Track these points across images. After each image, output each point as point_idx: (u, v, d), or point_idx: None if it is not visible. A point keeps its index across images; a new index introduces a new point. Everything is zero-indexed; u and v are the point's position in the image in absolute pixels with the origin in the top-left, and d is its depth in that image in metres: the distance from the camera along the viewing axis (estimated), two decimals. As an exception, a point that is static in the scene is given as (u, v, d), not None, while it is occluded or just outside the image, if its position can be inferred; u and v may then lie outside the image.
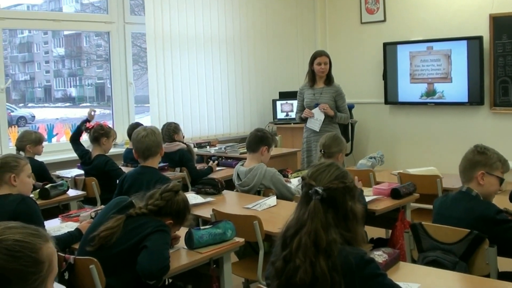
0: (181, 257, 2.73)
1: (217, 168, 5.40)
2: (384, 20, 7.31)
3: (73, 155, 5.64)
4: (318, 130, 5.28)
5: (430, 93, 6.84)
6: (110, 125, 5.79)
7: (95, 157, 4.85)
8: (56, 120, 6.59)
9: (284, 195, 4.04)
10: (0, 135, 5.48)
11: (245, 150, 4.80)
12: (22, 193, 3.16)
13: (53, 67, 7.30)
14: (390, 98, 7.22)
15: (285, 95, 7.30)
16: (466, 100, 6.54)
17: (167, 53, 6.42)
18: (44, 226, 3.08)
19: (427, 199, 4.05)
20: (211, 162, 5.60)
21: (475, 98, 6.45)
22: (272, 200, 3.77)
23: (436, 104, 6.83)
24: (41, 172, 4.57)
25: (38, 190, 4.11)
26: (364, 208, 3.18)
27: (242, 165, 4.27)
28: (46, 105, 7.18)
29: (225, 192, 4.23)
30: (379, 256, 2.44)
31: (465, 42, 6.45)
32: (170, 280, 2.98)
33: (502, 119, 6.32)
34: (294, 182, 4.34)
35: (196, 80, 6.73)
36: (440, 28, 6.71)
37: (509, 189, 3.38)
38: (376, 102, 7.38)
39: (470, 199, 2.78)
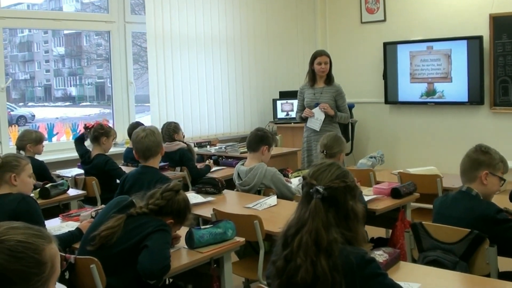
0: (182, 257, 2.73)
1: (214, 168, 5.38)
2: (384, 20, 7.32)
3: (73, 154, 5.64)
4: (318, 130, 5.29)
5: (430, 92, 6.85)
6: (110, 124, 5.78)
7: (95, 156, 4.85)
8: (56, 119, 6.58)
9: (284, 194, 4.04)
10: (1, 134, 5.48)
11: (246, 150, 4.80)
12: (22, 193, 3.16)
13: (53, 66, 7.30)
14: (390, 97, 7.23)
15: (286, 95, 7.30)
16: (466, 99, 6.54)
17: (167, 53, 6.42)
18: (44, 226, 3.08)
19: (427, 198, 4.05)
20: (208, 160, 5.61)
21: (475, 98, 6.45)
22: (272, 200, 3.77)
23: (436, 103, 6.83)
24: (42, 171, 4.57)
25: (38, 189, 4.11)
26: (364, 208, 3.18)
27: (243, 164, 4.28)
28: (46, 104, 7.18)
29: (225, 191, 4.23)
30: (380, 255, 2.45)
31: (465, 41, 6.45)
32: (171, 280, 2.98)
33: (502, 118, 6.33)
34: (295, 182, 4.34)
35: (197, 80, 6.73)
36: (440, 28, 6.71)
37: (508, 189, 3.38)
38: (376, 101, 7.39)
39: (470, 199, 2.78)
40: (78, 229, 2.99)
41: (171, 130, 5.37)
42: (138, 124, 5.25)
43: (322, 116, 5.30)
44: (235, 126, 7.22)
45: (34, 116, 6.89)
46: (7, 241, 1.33)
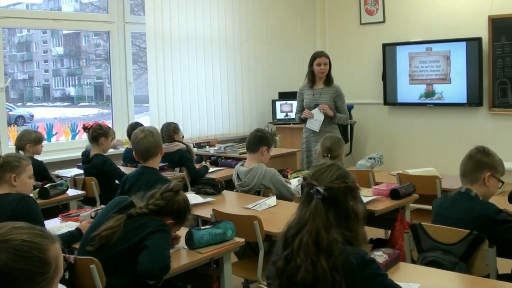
0: (181, 257, 2.73)
1: (212, 169, 5.37)
2: (384, 21, 7.33)
3: (72, 154, 5.67)
4: (317, 131, 5.30)
5: (429, 94, 6.86)
6: (110, 125, 5.79)
7: (94, 156, 4.86)
8: (55, 119, 6.58)
9: (284, 195, 4.04)
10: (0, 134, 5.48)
11: (245, 150, 4.80)
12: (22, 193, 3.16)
13: (51, 66, 7.29)
14: (389, 99, 7.24)
15: (285, 96, 7.31)
16: (465, 101, 6.55)
17: (167, 53, 6.42)
18: (44, 226, 3.07)
19: (426, 199, 4.06)
20: (204, 161, 5.62)
21: (474, 99, 6.46)
22: (272, 200, 3.77)
23: (435, 105, 6.84)
24: (41, 171, 4.56)
25: (37, 189, 4.10)
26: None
27: (242, 165, 4.28)
28: (44, 104, 7.18)
29: (224, 192, 4.23)
30: (379, 256, 2.45)
31: (464, 43, 6.46)
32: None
33: (501, 120, 6.34)
34: (294, 183, 4.35)
35: (196, 80, 6.74)
36: (439, 30, 6.72)
37: (507, 190, 3.39)
38: (375, 102, 7.40)
39: (470, 200, 2.78)
40: (77, 229, 2.99)
41: (171, 131, 5.37)
42: (137, 125, 5.25)
43: (322, 117, 5.31)
44: (234, 126, 7.22)
45: (32, 116, 6.89)
46: (12, 240, 1.32)
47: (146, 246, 2.43)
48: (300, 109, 5.52)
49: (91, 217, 3.19)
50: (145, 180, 3.54)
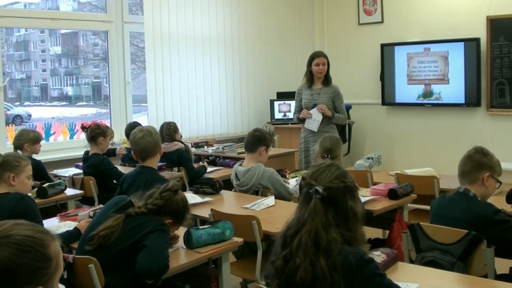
0: (180, 257, 2.73)
1: (210, 168, 5.37)
2: (382, 22, 7.33)
3: (70, 154, 5.68)
4: (316, 131, 5.30)
5: (427, 94, 6.86)
6: (108, 124, 5.78)
7: (92, 155, 4.87)
8: (53, 119, 6.57)
9: (282, 195, 4.04)
10: (-3, 134, 5.48)
11: (243, 150, 4.80)
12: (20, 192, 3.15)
13: (49, 65, 7.28)
14: (387, 99, 7.24)
15: (283, 96, 7.32)
16: (463, 101, 6.56)
17: (165, 53, 6.42)
18: (43, 225, 3.06)
19: (424, 199, 4.07)
20: (202, 161, 5.62)
21: (472, 100, 6.47)
22: (270, 200, 3.77)
23: (433, 105, 6.85)
24: (39, 171, 4.56)
25: (35, 189, 4.10)
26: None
27: (241, 165, 4.28)
28: (42, 104, 7.17)
29: (223, 192, 4.23)
30: (378, 256, 2.45)
31: (462, 43, 6.47)
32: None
33: (499, 120, 6.35)
34: (292, 182, 4.35)
35: (194, 80, 6.74)
36: (438, 30, 6.73)
37: (505, 191, 3.40)
38: (373, 103, 7.41)
39: (468, 200, 2.79)
40: (76, 228, 2.99)
41: (172, 130, 5.36)
42: (135, 124, 5.26)
43: (320, 117, 5.31)
44: (233, 126, 7.22)
45: (30, 115, 6.88)
46: (14, 235, 1.33)
47: (145, 246, 2.42)
48: (299, 109, 5.52)
49: (90, 217, 3.19)
50: (143, 179, 3.54)
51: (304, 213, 1.89)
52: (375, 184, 4.35)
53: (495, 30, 6.20)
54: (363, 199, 3.60)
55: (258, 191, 4.11)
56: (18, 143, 4.75)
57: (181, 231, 2.85)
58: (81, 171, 5.03)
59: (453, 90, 6.62)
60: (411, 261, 2.84)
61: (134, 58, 6.99)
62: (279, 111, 7.29)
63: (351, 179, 1.97)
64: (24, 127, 5.77)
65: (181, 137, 5.59)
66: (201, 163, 5.52)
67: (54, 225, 3.30)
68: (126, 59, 6.46)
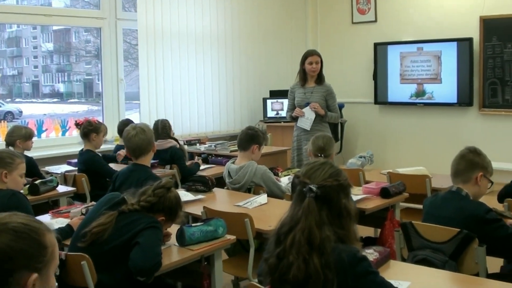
0: (172, 254, 2.73)
1: (203, 166, 5.38)
2: (375, 21, 7.35)
3: (62, 151, 5.66)
4: (308, 129, 5.30)
5: (420, 93, 6.89)
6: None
7: (84, 152, 4.87)
8: (44, 115, 6.54)
9: (274, 193, 4.05)
10: (-11, 130, 5.45)
11: (236, 148, 4.80)
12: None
13: (41, 62, 7.25)
14: (380, 98, 7.26)
15: (276, 94, 7.31)
16: (455, 101, 6.59)
17: (158, 50, 6.40)
18: (35, 221, 3.06)
19: (416, 198, 4.09)
20: (196, 158, 5.62)
21: (464, 99, 6.50)
22: (262, 198, 3.78)
23: (426, 104, 6.88)
24: (31, 167, 4.53)
25: (27, 185, 4.08)
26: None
27: (233, 163, 4.28)
28: (33, 100, 7.14)
29: (215, 189, 4.23)
30: (370, 254, 2.46)
31: (455, 43, 6.50)
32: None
33: (491, 120, 6.38)
34: (284, 181, 4.35)
35: (187, 77, 6.72)
36: (431, 29, 6.75)
37: (496, 190, 3.42)
38: (366, 102, 7.42)
39: (460, 199, 2.81)
40: (69, 225, 2.98)
41: (167, 127, 5.34)
42: (128, 121, 5.24)
43: (313, 116, 5.31)
44: (225, 124, 7.21)
45: (21, 112, 6.85)
46: (10, 222, 1.37)
47: (138, 243, 2.42)
48: (291, 107, 5.52)
49: (82, 214, 3.18)
50: (135, 177, 3.53)
51: (298, 211, 1.90)
52: (367, 182, 4.36)
53: (488, 30, 6.23)
54: (355, 198, 3.60)
55: (251, 189, 4.11)
56: (10, 140, 4.72)
57: (173, 229, 2.85)
58: (73, 168, 5.01)
59: (446, 89, 6.65)
60: (403, 259, 2.86)
61: (126, 55, 6.97)
62: (272, 109, 7.28)
63: (345, 177, 1.97)
64: (16, 124, 5.74)
65: (173, 134, 5.58)
66: (195, 159, 5.51)
67: (46, 222, 3.23)
68: (119, 56, 6.43)
